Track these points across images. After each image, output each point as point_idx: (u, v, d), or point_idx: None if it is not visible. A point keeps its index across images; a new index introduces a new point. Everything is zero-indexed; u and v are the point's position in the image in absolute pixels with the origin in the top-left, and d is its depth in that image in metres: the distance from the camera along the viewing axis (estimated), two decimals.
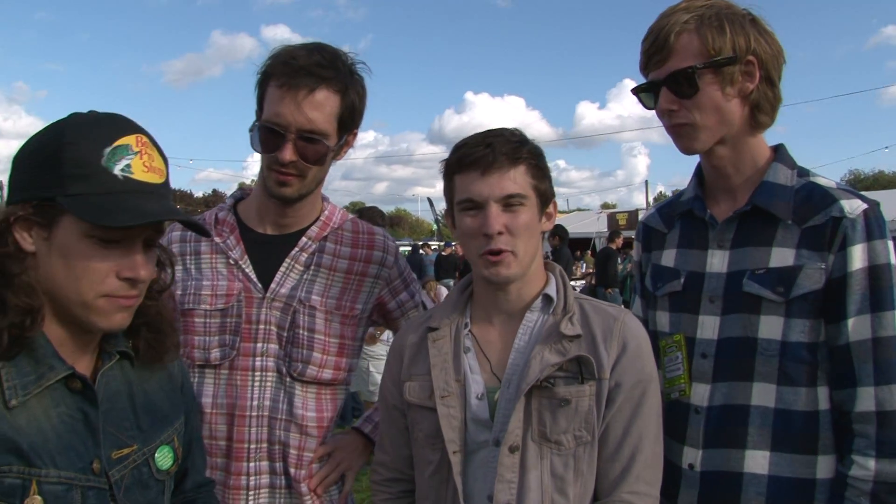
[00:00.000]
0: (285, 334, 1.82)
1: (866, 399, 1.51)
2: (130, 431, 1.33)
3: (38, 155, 1.20)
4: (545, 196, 1.62)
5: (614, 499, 1.52)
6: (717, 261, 1.68)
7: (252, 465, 1.80)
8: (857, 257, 1.52)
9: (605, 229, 19.71)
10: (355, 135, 1.88)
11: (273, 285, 1.83)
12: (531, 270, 1.61)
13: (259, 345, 1.81)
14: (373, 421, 1.99)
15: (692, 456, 1.67)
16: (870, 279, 1.52)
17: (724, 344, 1.65)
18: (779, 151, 1.70)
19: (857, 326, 1.53)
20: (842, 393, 1.56)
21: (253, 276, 1.84)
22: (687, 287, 1.73)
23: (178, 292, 1.84)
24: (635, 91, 1.72)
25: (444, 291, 8.59)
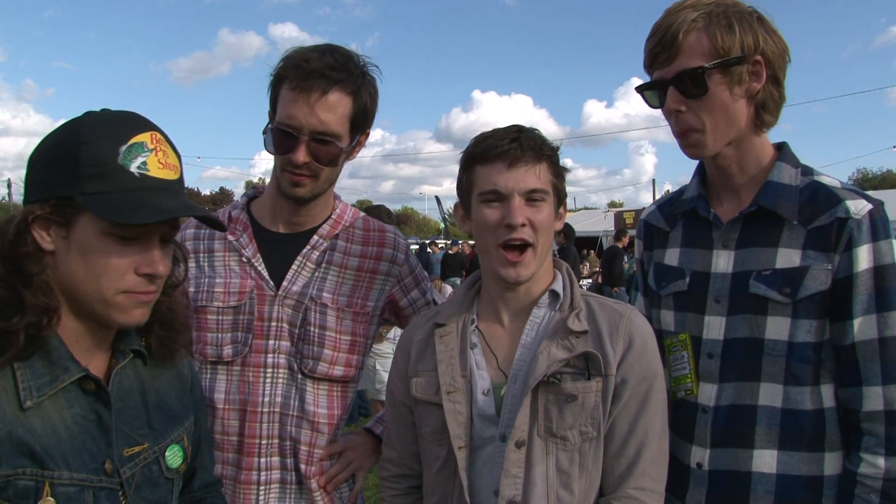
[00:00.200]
0: (297, 331, 1.84)
1: (874, 398, 1.52)
2: (142, 430, 1.35)
3: (54, 154, 1.21)
4: (561, 195, 1.64)
5: (620, 494, 1.53)
6: (723, 261, 1.68)
7: (263, 460, 1.82)
8: (863, 258, 1.53)
9: (612, 228, 19.64)
10: (367, 135, 1.89)
11: (285, 283, 1.85)
12: (541, 267, 1.62)
13: (271, 342, 1.83)
14: (384, 422, 2.01)
15: (700, 455, 1.68)
16: (875, 279, 1.53)
17: (731, 344, 1.65)
18: (782, 150, 1.70)
19: (863, 326, 1.53)
20: (848, 392, 1.57)
21: (265, 273, 1.86)
22: (692, 287, 1.73)
23: (192, 289, 1.87)
24: (640, 89, 1.70)
25: (448, 290, 8.59)
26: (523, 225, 1.54)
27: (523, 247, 1.56)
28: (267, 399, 1.82)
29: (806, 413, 1.59)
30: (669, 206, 1.89)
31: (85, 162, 1.18)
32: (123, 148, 1.21)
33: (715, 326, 1.68)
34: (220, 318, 1.84)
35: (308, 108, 1.70)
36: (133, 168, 1.21)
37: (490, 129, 1.65)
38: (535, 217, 1.55)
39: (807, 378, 1.59)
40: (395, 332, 5.52)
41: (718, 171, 1.71)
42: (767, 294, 1.60)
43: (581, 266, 15.71)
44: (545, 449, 1.53)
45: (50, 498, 1.17)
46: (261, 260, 1.87)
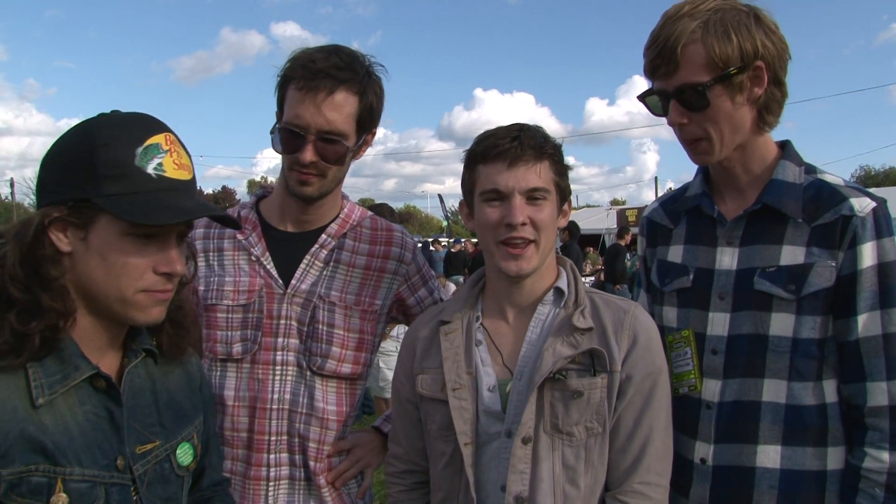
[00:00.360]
0: (305, 329, 1.86)
1: (878, 394, 1.54)
2: (153, 428, 1.37)
3: (70, 157, 1.23)
4: (564, 193, 1.65)
5: (626, 489, 1.54)
6: (727, 258, 1.70)
7: (272, 456, 1.84)
8: (867, 255, 1.54)
9: (615, 226, 19.64)
10: (374, 134, 1.91)
11: (294, 281, 1.87)
12: (545, 264, 1.63)
13: (280, 339, 1.85)
14: (392, 421, 2.02)
15: (704, 451, 1.69)
16: (879, 276, 1.54)
17: (735, 340, 1.66)
18: (786, 148, 1.71)
19: (867, 323, 1.55)
20: (852, 387, 1.58)
21: (274, 272, 1.88)
22: (696, 283, 1.74)
23: (202, 288, 1.89)
24: (642, 97, 1.71)
25: (452, 288, 8.60)
26: (524, 224, 1.55)
27: (525, 241, 1.57)
28: (276, 396, 1.84)
29: (809, 408, 1.60)
30: (673, 203, 1.90)
31: (102, 164, 1.20)
32: (140, 150, 1.23)
33: (719, 323, 1.69)
34: (230, 316, 1.86)
35: (315, 107, 1.71)
36: (150, 169, 1.23)
37: (493, 127, 1.66)
38: (537, 215, 1.56)
39: (810, 374, 1.60)
40: (398, 330, 5.53)
41: (723, 171, 1.73)
42: (772, 291, 1.61)
43: (584, 264, 15.71)
44: (551, 445, 1.54)
45: (63, 494, 1.18)
46: (270, 259, 1.89)
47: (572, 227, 11.71)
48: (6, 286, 1.18)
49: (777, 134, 1.72)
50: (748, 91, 1.58)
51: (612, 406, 1.55)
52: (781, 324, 1.60)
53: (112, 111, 1.30)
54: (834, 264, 1.57)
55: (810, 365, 1.60)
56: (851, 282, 1.56)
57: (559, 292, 1.65)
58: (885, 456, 1.52)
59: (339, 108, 1.74)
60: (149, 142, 1.24)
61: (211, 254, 1.93)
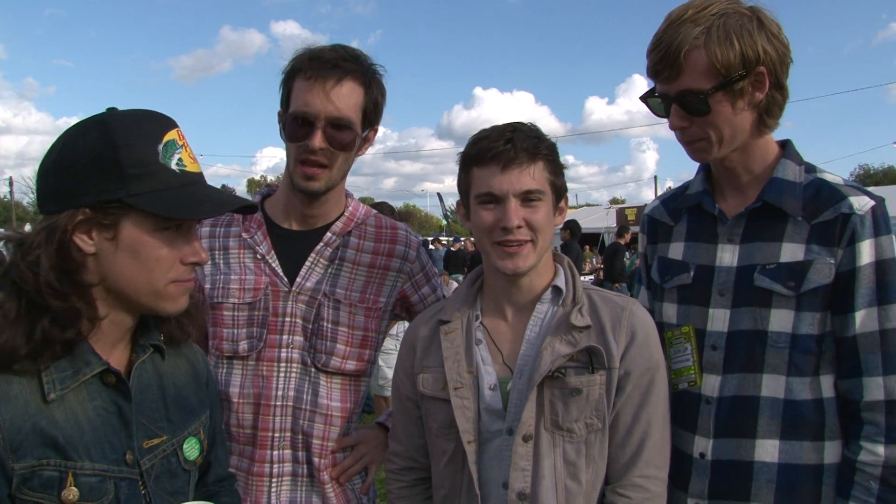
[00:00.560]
0: (310, 326, 1.87)
1: (875, 389, 1.56)
2: (161, 423, 1.38)
3: (92, 160, 1.22)
4: (560, 191, 1.65)
5: (626, 483, 1.56)
6: (728, 255, 1.71)
7: (276, 453, 1.85)
8: (866, 252, 1.56)
9: (614, 224, 19.64)
10: (376, 131, 1.93)
11: (298, 279, 1.88)
12: (542, 263, 1.64)
13: (285, 337, 1.86)
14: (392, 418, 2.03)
15: (703, 445, 1.71)
16: (877, 273, 1.56)
17: (735, 336, 1.68)
18: (786, 148, 1.73)
19: (864, 319, 1.57)
20: (848, 382, 1.60)
21: (279, 270, 1.89)
22: (696, 280, 1.76)
23: (207, 286, 1.91)
24: (644, 98, 1.72)
25: (454, 286, 8.60)
26: (519, 227, 1.56)
27: (521, 242, 1.58)
28: (280, 393, 1.85)
29: (806, 403, 1.62)
30: (673, 201, 1.92)
31: (128, 164, 1.22)
32: (160, 147, 1.25)
33: (719, 319, 1.70)
34: (236, 314, 1.87)
35: (324, 94, 1.74)
36: (173, 165, 1.27)
37: (494, 124, 1.66)
38: (532, 217, 1.57)
39: (808, 369, 1.62)
40: (398, 328, 5.54)
41: (724, 169, 1.74)
42: (772, 287, 1.63)
43: (584, 263, 15.72)
44: (552, 441, 1.55)
45: (73, 487, 1.20)
46: (275, 257, 1.90)
47: (573, 225, 11.69)
48: (41, 293, 1.19)
49: (775, 133, 1.73)
50: (749, 96, 1.59)
51: (611, 402, 1.57)
52: (781, 320, 1.62)
53: (108, 109, 1.30)
54: (833, 261, 1.59)
55: (808, 360, 1.62)
56: (850, 278, 1.57)
57: (557, 290, 1.66)
58: (881, 449, 1.54)
59: (347, 97, 1.77)
60: (166, 138, 1.27)
61: (217, 252, 1.94)
